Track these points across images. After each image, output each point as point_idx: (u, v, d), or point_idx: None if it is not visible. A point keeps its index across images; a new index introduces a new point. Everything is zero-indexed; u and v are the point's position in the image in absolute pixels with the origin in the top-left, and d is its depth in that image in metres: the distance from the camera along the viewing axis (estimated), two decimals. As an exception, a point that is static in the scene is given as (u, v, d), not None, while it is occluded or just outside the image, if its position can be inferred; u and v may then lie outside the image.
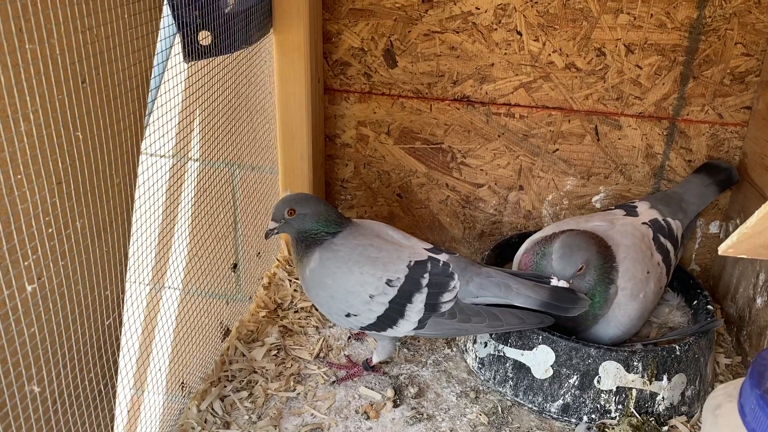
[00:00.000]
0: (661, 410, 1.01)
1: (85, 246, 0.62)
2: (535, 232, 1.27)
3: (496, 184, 1.40)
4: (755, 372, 0.65)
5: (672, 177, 1.32)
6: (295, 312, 1.24)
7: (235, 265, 1.16)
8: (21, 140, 0.52)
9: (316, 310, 1.22)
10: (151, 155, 0.92)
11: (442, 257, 1.03)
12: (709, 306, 1.14)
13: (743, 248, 0.73)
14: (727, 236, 1.32)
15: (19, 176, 0.52)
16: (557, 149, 1.34)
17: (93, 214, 0.64)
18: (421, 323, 1.00)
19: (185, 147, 1.17)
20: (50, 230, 0.56)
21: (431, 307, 0.99)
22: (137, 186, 0.77)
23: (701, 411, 0.88)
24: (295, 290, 1.29)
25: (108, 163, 0.65)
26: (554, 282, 1.01)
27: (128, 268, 0.76)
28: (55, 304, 0.59)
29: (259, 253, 1.28)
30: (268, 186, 1.36)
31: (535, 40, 1.26)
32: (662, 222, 1.17)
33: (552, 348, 1.02)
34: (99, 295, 0.67)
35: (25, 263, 0.53)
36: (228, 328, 1.15)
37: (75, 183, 0.60)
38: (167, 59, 0.99)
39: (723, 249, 0.75)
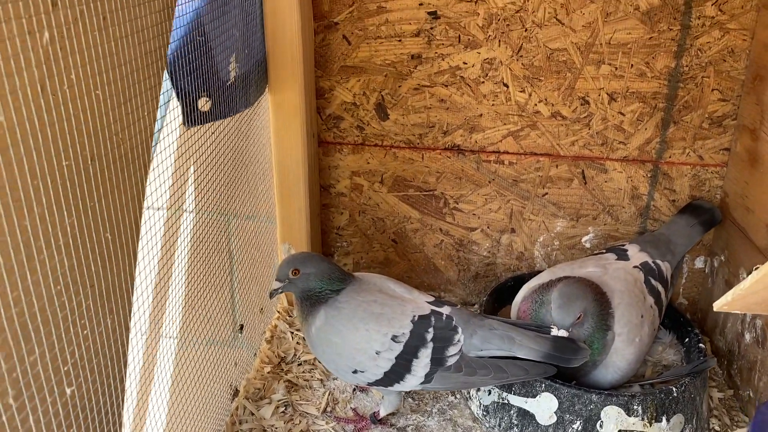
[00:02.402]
0: (662, 451, 1.05)
1: (109, 341, 0.64)
2: (529, 273, 1.30)
3: (488, 227, 1.44)
4: (757, 428, 0.69)
5: (657, 216, 1.37)
6: (299, 365, 1.26)
7: (241, 327, 1.18)
8: (53, 245, 0.54)
9: (320, 362, 1.24)
10: (158, 210, 0.93)
11: (445, 310, 1.06)
12: (701, 344, 1.18)
13: (738, 305, 0.77)
14: (712, 271, 1.38)
15: (35, 277, 0.53)
16: (546, 193, 1.39)
17: (103, 304, 0.65)
18: (428, 377, 1.03)
19: (182, 201, 1.17)
20: (85, 332, 0.58)
21: (437, 361, 1.02)
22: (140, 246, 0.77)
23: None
24: (297, 343, 1.31)
25: (112, 241, 0.65)
26: (554, 332, 1.04)
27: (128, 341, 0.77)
28: (90, 401, 0.60)
29: (262, 308, 1.30)
30: (266, 236, 1.38)
31: (521, 92, 1.31)
32: (652, 264, 1.21)
33: (555, 395, 1.05)
34: (110, 384, 0.68)
35: (65, 368, 0.55)
36: (237, 389, 1.17)
37: (86, 273, 0.61)
38: (162, 126, 1.00)
39: (718, 306, 0.79)
